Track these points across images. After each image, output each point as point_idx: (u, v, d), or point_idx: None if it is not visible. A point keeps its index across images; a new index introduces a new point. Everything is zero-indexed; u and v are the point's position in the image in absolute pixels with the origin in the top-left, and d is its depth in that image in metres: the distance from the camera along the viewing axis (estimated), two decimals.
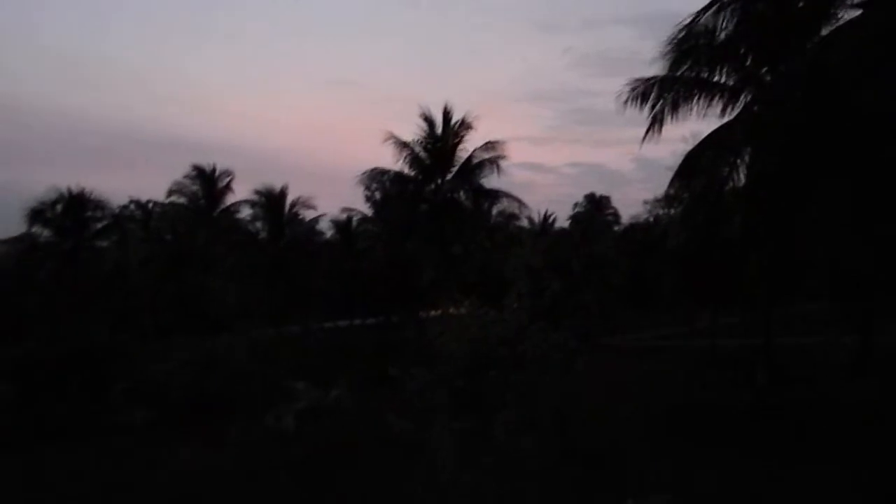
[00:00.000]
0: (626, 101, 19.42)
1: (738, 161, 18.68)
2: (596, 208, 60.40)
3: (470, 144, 33.99)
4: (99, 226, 41.64)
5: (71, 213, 39.69)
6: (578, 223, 57.55)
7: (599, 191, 64.76)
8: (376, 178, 34.56)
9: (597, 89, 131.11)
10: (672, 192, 21.62)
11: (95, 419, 20.56)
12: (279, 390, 19.25)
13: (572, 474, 12.77)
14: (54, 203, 39.35)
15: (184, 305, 37.98)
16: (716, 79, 19.28)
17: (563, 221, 59.49)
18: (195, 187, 42.79)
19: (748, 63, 19.15)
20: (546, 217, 56.45)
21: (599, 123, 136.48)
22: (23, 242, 40.83)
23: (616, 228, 59.43)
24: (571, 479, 12.44)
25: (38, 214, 38.90)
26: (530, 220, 52.66)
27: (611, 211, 61.52)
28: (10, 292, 38.62)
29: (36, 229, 39.92)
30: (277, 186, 43.15)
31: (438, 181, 34.01)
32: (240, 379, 23.17)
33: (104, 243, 42.74)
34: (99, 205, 40.98)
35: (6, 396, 21.76)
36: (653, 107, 19.20)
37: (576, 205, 61.76)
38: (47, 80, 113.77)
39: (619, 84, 20.09)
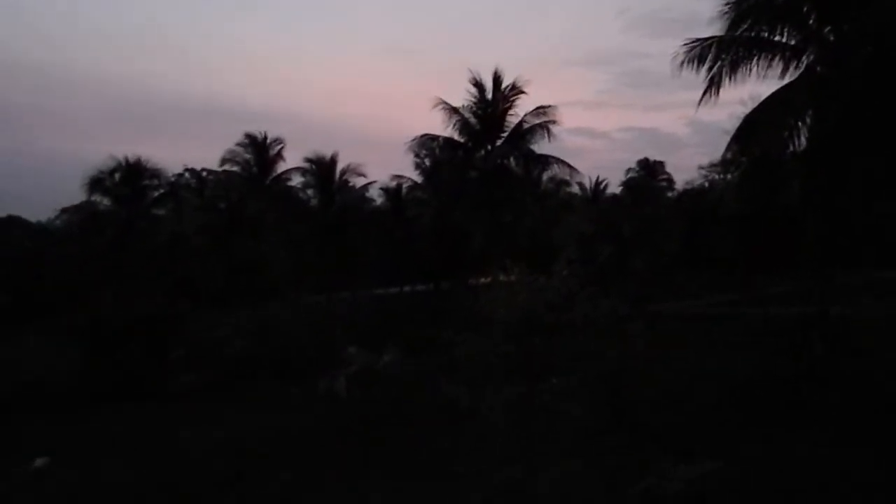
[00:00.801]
0: (681, 64, 18.89)
1: (800, 124, 18.07)
2: (649, 173, 59.32)
3: (520, 109, 33.57)
4: (155, 194, 42.64)
5: (128, 181, 40.67)
6: (631, 189, 56.64)
7: (653, 156, 63.23)
8: (426, 145, 34.44)
9: (651, 51, 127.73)
10: (729, 156, 21.04)
11: (153, 383, 21.23)
12: (331, 355, 19.52)
13: (622, 441, 12.73)
14: (112, 172, 40.32)
15: (238, 272, 38.74)
16: (776, 38, 18.60)
17: (615, 187, 58.57)
18: (248, 155, 43.30)
19: (811, 21, 18.43)
20: (598, 183, 55.62)
21: (653, 87, 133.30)
22: (83, 211, 42.09)
23: (670, 194, 58.34)
24: (621, 446, 12.40)
25: (97, 183, 39.93)
26: (581, 186, 52.00)
27: (664, 176, 60.38)
28: (73, 259, 39.96)
29: (95, 198, 41.07)
30: (328, 154, 43.41)
31: (488, 147, 33.71)
32: (292, 344, 23.59)
33: (160, 211, 43.77)
34: (155, 174, 41.91)
35: (71, 359, 22.64)
36: (710, 69, 18.63)
37: (628, 170, 60.75)
38: (101, 51, 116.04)
39: (674, 46, 19.57)
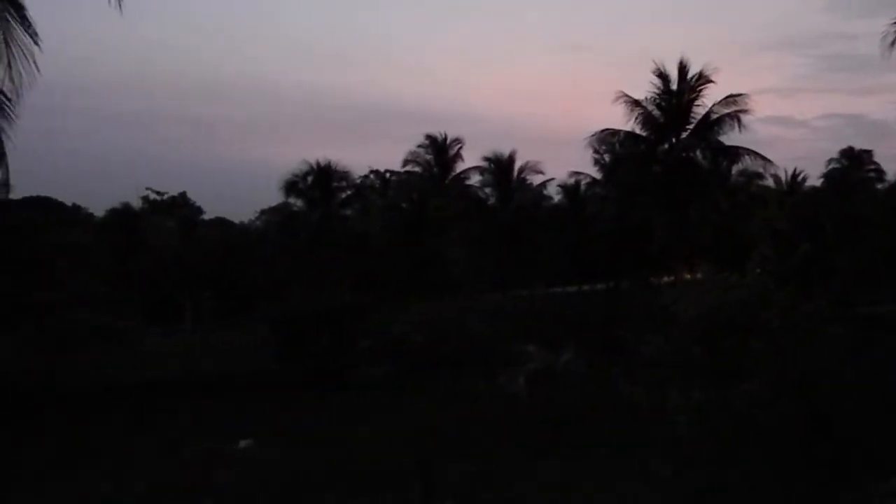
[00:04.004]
0: (892, 43, 17.22)
1: None
2: (854, 164, 54.24)
3: (708, 99, 31.98)
4: (343, 195, 45.00)
5: (319, 184, 43.17)
6: (833, 181, 52.12)
7: (858, 144, 57.50)
8: (605, 140, 33.74)
9: (856, 32, 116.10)
10: None
11: (342, 373, 22.40)
12: (510, 352, 19.62)
13: (819, 453, 11.70)
14: (305, 175, 42.98)
15: (419, 269, 39.96)
16: None
17: (814, 180, 54.07)
18: (428, 156, 44.52)
19: None
20: (794, 175, 51.61)
21: (859, 70, 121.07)
22: (280, 212, 45.35)
23: (879, 186, 53.07)
24: (818, 458, 11.39)
25: (292, 186, 42.72)
26: (776, 178, 48.45)
27: (872, 167, 54.92)
28: (272, 257, 43.15)
29: (291, 199, 44.03)
30: (506, 152, 43.63)
31: (672, 140, 32.41)
32: (472, 340, 23.98)
33: (348, 212, 46.14)
34: (343, 176, 44.17)
35: (268, 350, 24.45)
36: None
37: (830, 161, 55.84)
38: (292, 62, 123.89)
39: (883, 24, 17.79)
